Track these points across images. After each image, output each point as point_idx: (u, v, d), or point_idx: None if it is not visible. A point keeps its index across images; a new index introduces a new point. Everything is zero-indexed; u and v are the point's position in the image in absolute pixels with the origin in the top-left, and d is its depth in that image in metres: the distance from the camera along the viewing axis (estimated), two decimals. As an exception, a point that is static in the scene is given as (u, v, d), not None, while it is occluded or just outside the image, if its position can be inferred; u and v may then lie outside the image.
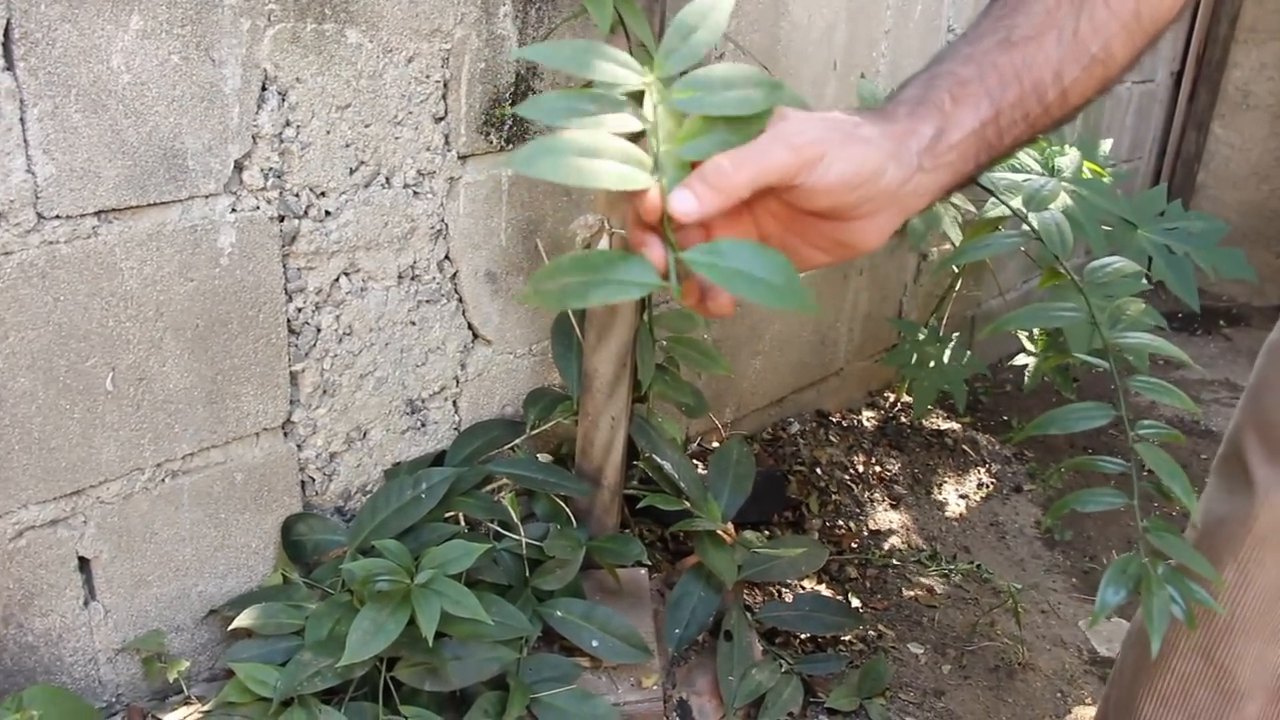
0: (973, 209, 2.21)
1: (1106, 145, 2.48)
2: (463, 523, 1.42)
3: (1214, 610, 1.07)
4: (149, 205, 1.11)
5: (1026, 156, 1.87)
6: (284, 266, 1.25)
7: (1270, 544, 1.05)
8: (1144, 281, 1.33)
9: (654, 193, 0.55)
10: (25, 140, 1.00)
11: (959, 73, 0.65)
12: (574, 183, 0.52)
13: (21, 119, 0.99)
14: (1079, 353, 1.15)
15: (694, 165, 0.56)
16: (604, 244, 1.42)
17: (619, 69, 0.56)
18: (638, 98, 0.56)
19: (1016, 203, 1.42)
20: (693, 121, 0.56)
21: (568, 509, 1.51)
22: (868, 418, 2.61)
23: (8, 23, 0.96)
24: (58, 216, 1.04)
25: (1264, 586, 1.06)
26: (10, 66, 0.97)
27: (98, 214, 1.07)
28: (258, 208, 1.20)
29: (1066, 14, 0.66)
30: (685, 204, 0.56)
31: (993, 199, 1.62)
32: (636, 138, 0.56)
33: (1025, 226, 1.26)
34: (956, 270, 2.53)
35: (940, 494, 2.38)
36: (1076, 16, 0.66)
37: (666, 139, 0.55)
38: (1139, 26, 0.67)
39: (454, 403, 1.53)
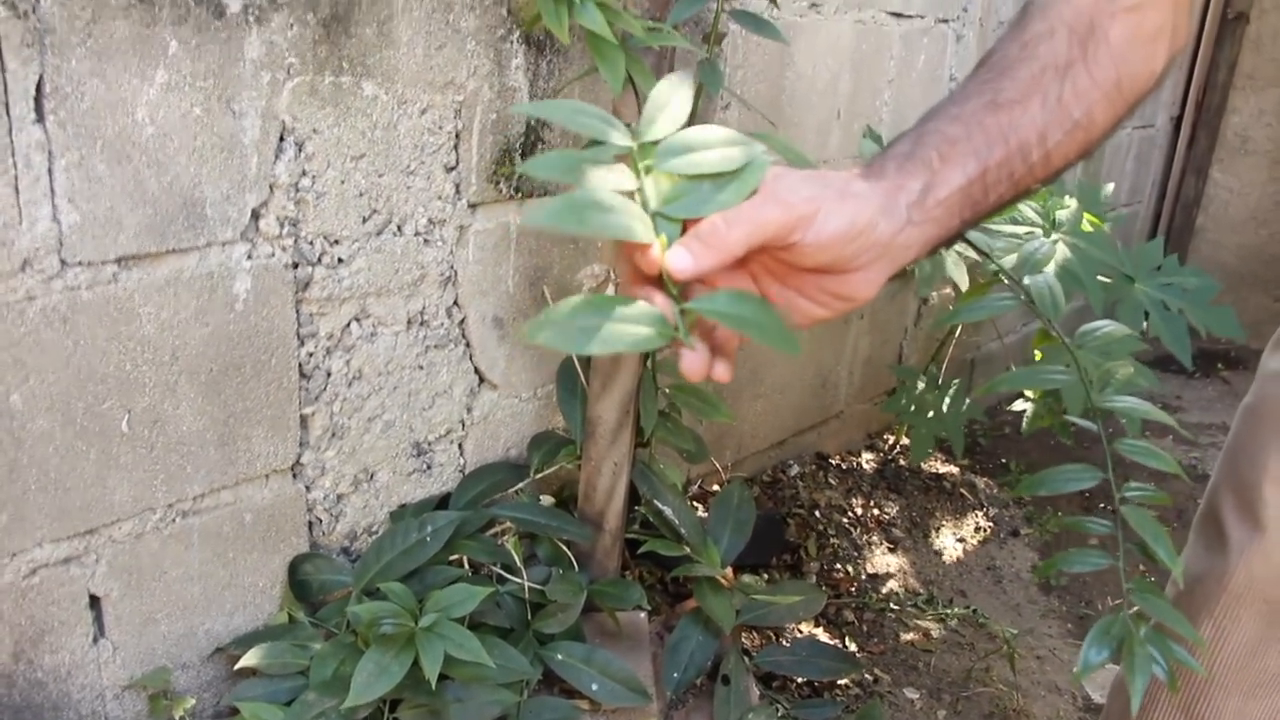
0: (975, 256, 2.24)
1: (1109, 189, 2.51)
2: (466, 566, 1.44)
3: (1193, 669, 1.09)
4: (168, 252, 1.14)
5: (1028, 209, 1.90)
6: (297, 312, 1.28)
7: (1245, 601, 1.07)
8: (1140, 335, 1.36)
9: (655, 250, 0.57)
10: (52, 190, 1.03)
11: (947, 131, 0.68)
12: (594, 234, 0.54)
13: (49, 169, 1.02)
14: (1074, 411, 1.18)
15: (687, 223, 0.59)
16: (610, 294, 1.45)
17: (610, 129, 0.59)
18: (630, 160, 0.59)
19: (1010, 264, 1.45)
20: (678, 181, 0.59)
21: (570, 553, 1.53)
22: (867, 460, 2.63)
23: (40, 78, 0.99)
24: (80, 263, 1.07)
25: (1240, 642, 1.08)
26: (40, 119, 1.00)
27: (118, 261, 1.10)
28: (273, 255, 1.23)
29: (1051, 80, 0.69)
30: (681, 261, 0.58)
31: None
32: (630, 196, 0.58)
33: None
34: (956, 315, 2.55)
35: (937, 538, 2.40)
36: (1061, 83, 0.69)
37: (655, 199, 0.58)
38: (1119, 95, 0.71)
39: (459, 446, 1.55)
